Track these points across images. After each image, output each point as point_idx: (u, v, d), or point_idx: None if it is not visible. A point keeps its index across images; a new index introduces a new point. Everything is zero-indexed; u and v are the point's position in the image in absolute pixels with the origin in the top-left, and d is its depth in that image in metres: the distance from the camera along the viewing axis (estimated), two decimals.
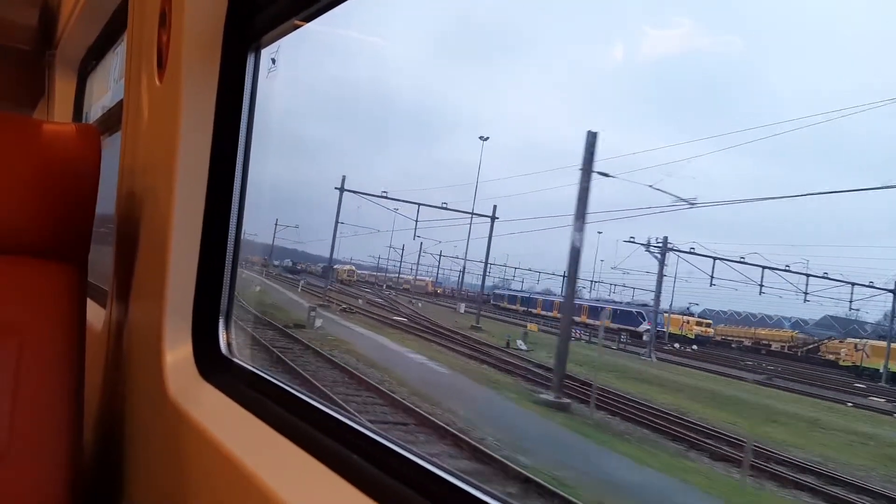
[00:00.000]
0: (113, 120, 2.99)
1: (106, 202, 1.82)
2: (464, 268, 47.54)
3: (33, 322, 1.53)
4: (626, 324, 34.63)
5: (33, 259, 1.59)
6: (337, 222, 33.06)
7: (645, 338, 30.84)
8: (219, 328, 1.59)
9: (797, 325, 37.79)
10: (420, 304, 40.46)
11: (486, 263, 34.39)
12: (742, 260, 26.30)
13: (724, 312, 40.10)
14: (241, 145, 1.60)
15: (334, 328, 20.59)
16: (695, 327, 35.42)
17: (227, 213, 1.59)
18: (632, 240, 26.66)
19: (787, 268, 25.87)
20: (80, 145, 1.63)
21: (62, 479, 1.47)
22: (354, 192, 32.50)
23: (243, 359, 1.58)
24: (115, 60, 3.55)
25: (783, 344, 35.09)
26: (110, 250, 1.99)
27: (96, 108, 3.96)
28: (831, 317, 34.64)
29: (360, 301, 33.15)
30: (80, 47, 3.64)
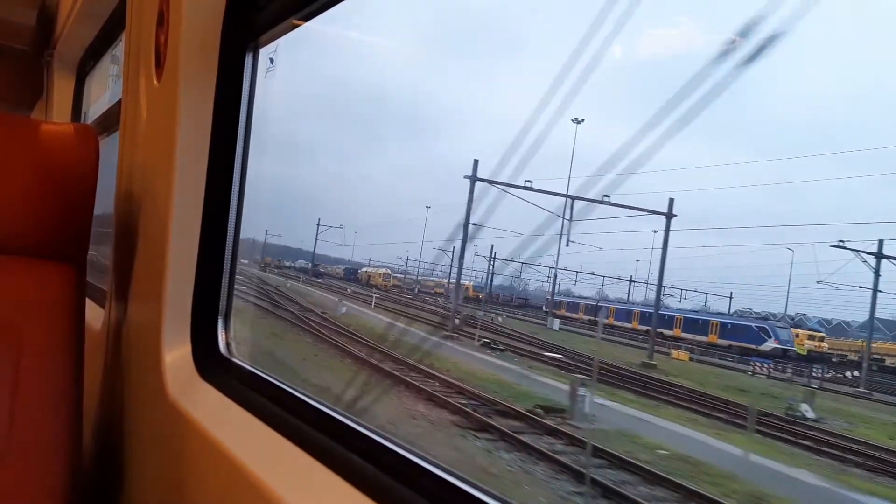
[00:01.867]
0: (111, 120, 2.99)
1: (104, 202, 1.82)
2: (555, 275, 40.47)
3: (32, 322, 1.53)
4: (741, 341, 28.44)
5: (32, 259, 1.59)
6: (467, 222, 23.87)
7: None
8: (217, 328, 1.59)
9: (839, 328, 31.93)
10: (500, 319, 33.76)
11: (660, 274, 24.90)
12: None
13: (774, 315, 34.07)
14: (240, 145, 1.60)
15: (604, 413, 12.13)
16: (806, 341, 29.70)
17: (226, 212, 1.59)
18: (841, 244, 20.28)
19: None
20: (78, 145, 1.63)
21: (62, 479, 1.47)
22: (490, 181, 25.16)
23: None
24: (114, 61, 3.55)
25: None
26: (109, 250, 1.99)
27: (95, 108, 3.95)
28: (877, 319, 28.23)
29: (456, 321, 26.07)
30: (79, 47, 3.64)
